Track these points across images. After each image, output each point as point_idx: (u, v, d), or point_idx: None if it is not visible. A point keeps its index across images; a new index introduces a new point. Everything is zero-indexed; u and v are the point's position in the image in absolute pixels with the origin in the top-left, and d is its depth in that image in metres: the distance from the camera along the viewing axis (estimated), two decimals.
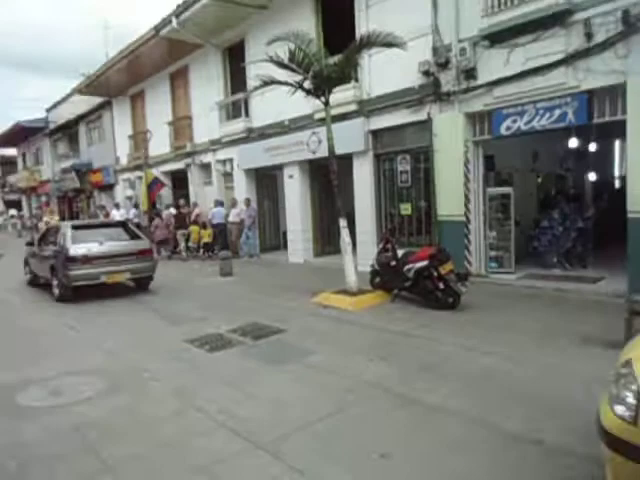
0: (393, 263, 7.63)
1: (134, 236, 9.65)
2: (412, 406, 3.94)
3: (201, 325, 6.66)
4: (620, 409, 2.24)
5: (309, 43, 7.75)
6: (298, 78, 8.04)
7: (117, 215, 17.31)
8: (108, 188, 22.21)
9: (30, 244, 11.02)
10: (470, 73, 8.25)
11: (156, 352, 5.66)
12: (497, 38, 7.85)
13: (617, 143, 13.60)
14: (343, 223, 7.75)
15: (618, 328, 4.70)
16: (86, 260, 8.63)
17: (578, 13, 7.00)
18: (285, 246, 13.36)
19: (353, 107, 10.12)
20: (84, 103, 22.40)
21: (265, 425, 3.70)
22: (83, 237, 9.01)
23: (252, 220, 13.42)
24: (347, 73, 8.34)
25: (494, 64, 7.95)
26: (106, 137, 21.94)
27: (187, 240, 14.44)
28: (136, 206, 18.20)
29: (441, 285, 6.86)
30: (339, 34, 9.84)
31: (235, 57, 13.74)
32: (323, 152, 9.85)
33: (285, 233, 13.51)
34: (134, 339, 6.30)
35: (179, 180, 17.39)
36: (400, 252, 7.80)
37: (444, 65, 8.52)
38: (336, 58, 7.84)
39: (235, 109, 13.82)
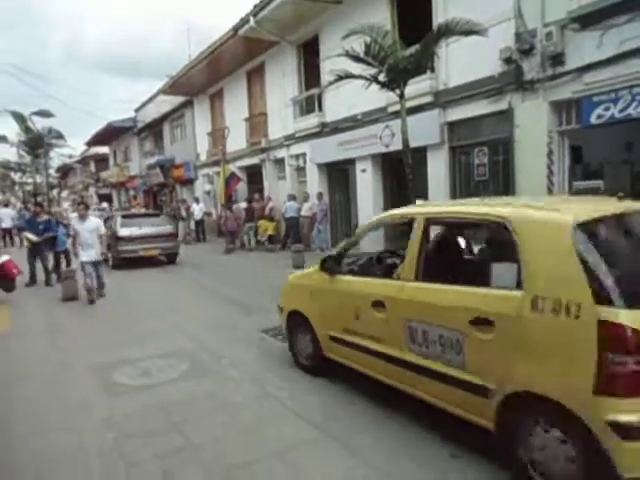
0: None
1: (163, 223, 13.18)
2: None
3: (275, 315, 6.87)
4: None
5: (384, 35, 7.67)
6: (373, 71, 8.00)
7: (197, 209, 18.27)
8: (189, 183, 23.46)
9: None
10: (557, 59, 7.73)
11: (234, 340, 5.97)
12: (588, 20, 7.26)
13: None
14: None
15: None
16: (130, 239, 12.04)
17: None
18: None
19: (428, 98, 9.86)
20: (168, 103, 23.84)
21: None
22: (128, 223, 12.53)
23: (324, 214, 13.59)
24: (423, 64, 8.17)
25: (585, 48, 7.38)
26: (187, 134, 23.16)
27: (255, 233, 15.25)
28: (197, 200, 19.10)
29: None
30: (415, 24, 9.64)
31: (309, 53, 13.92)
32: (396, 145, 9.73)
33: (357, 227, 13.50)
34: (211, 325, 6.67)
35: (254, 175, 17.95)
36: (475, 249, 7.51)
37: (528, 51, 8.06)
38: (412, 49, 7.69)
39: (309, 104, 14.00)
